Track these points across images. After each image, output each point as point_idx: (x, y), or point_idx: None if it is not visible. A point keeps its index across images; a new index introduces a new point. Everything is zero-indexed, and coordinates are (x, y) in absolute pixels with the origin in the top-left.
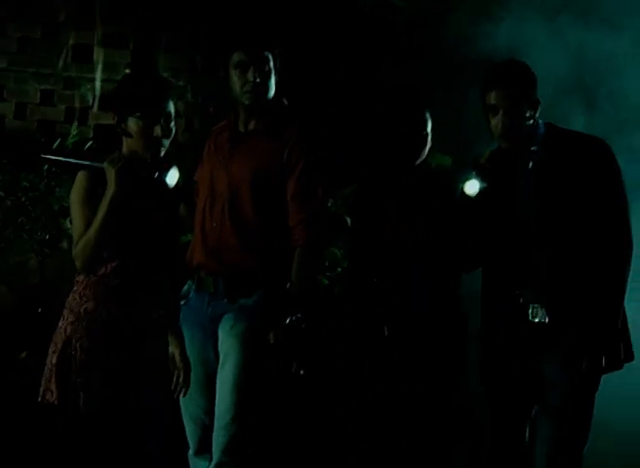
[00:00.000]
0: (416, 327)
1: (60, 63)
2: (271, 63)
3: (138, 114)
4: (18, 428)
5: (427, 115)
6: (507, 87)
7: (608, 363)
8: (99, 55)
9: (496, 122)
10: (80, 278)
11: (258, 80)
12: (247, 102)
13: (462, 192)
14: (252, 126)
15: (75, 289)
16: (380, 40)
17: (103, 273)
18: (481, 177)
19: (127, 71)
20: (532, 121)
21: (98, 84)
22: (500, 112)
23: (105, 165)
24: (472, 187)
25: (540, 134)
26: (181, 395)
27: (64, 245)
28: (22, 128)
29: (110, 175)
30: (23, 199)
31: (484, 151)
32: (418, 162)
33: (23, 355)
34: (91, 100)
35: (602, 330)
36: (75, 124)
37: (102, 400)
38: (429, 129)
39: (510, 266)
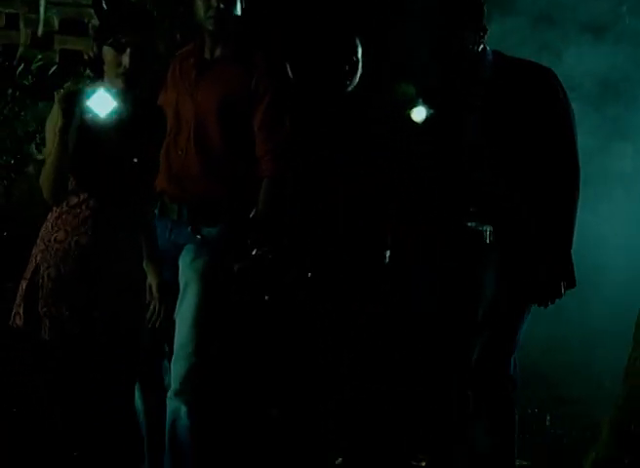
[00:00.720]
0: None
1: None
2: None
3: (109, 42)
4: None
5: (357, 41)
6: (453, 15)
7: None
8: None
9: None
10: (54, 207)
11: (222, 6)
12: (210, 28)
13: (409, 118)
14: (218, 53)
15: (49, 217)
16: None
17: (75, 204)
18: (428, 104)
19: None
20: (480, 46)
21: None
22: (453, 38)
23: (55, 96)
24: (419, 114)
25: (488, 60)
26: (156, 325)
27: (30, 169)
28: None
29: (55, 106)
30: None
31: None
32: (349, 88)
33: None
34: (56, 25)
35: (559, 257)
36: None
37: (67, 329)
38: (359, 55)
39: (457, 189)
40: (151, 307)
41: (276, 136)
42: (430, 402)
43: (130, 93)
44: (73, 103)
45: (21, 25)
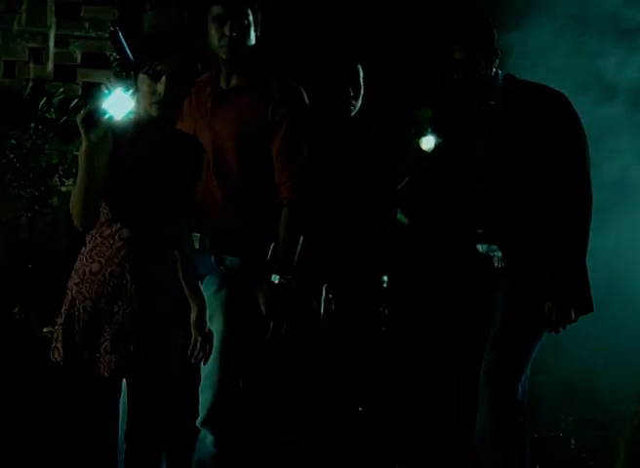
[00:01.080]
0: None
1: (48, 21)
2: (250, 17)
3: (144, 70)
4: (12, 381)
5: (359, 67)
6: (466, 42)
7: (576, 313)
8: (86, 12)
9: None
10: (87, 239)
11: (234, 34)
12: (224, 57)
13: (419, 147)
14: (234, 81)
15: (83, 250)
16: None
17: (108, 234)
18: (437, 133)
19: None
20: (492, 70)
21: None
22: (466, 65)
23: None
24: (428, 143)
25: (498, 85)
26: (202, 363)
27: (54, 202)
28: (12, 86)
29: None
30: (11, 156)
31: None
32: (353, 112)
33: (16, 310)
34: (79, 58)
35: (568, 282)
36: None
37: (106, 362)
38: (361, 80)
39: (465, 210)
40: (192, 341)
41: (294, 164)
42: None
43: (165, 121)
44: (94, 122)
45: (44, 59)
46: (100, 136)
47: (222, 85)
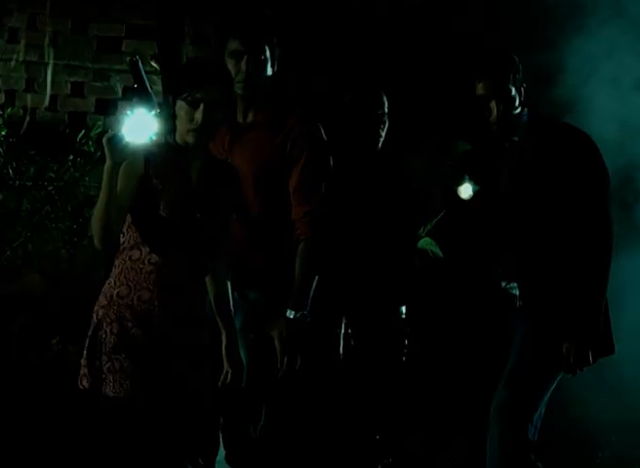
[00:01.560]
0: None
1: (89, 56)
2: (267, 53)
3: (183, 97)
4: (52, 412)
5: (383, 96)
6: (494, 76)
7: (594, 355)
8: (126, 46)
9: (488, 111)
10: (116, 263)
11: (251, 69)
12: (240, 92)
13: (457, 195)
14: (251, 117)
15: (111, 273)
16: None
17: (138, 258)
18: (474, 180)
19: (153, 63)
20: (518, 108)
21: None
22: (492, 101)
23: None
24: (466, 191)
25: (523, 122)
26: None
27: None
28: (54, 119)
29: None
30: (50, 188)
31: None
32: (379, 143)
33: (55, 340)
34: (120, 92)
35: (587, 323)
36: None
37: (131, 386)
38: (385, 109)
39: (488, 248)
40: (224, 372)
41: (311, 200)
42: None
43: (200, 148)
44: (118, 142)
45: (86, 92)
46: (123, 157)
47: (240, 120)
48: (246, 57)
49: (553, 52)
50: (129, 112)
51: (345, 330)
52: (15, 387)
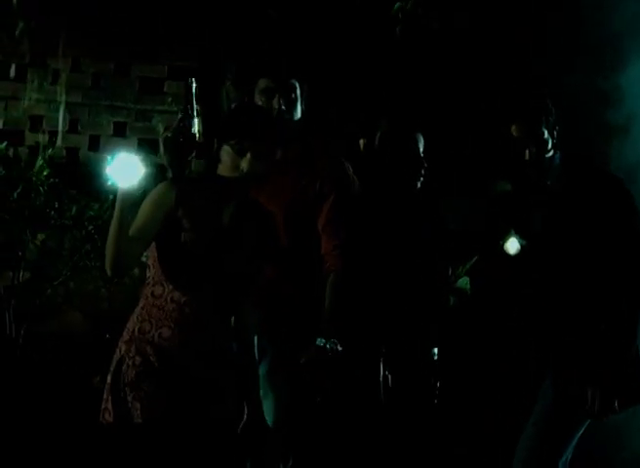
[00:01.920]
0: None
1: (132, 97)
2: (298, 91)
3: (230, 142)
4: (92, 452)
5: (419, 137)
6: (527, 119)
7: (621, 403)
8: (168, 87)
9: (524, 152)
10: (142, 298)
11: (282, 107)
12: None
13: (503, 250)
14: (280, 155)
15: (136, 309)
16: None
17: (160, 294)
18: (520, 235)
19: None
20: (551, 151)
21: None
22: (526, 143)
23: None
24: (513, 246)
25: (555, 165)
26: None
27: (134, 272)
28: (96, 159)
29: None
30: (90, 228)
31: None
32: (418, 184)
33: (97, 380)
34: (161, 132)
35: (613, 370)
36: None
37: (159, 408)
38: (421, 150)
39: (520, 291)
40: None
41: (340, 233)
42: None
43: (240, 193)
44: (131, 169)
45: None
46: (135, 187)
47: None
48: (277, 95)
49: (612, 75)
50: (109, 158)
51: (384, 371)
52: (58, 425)
